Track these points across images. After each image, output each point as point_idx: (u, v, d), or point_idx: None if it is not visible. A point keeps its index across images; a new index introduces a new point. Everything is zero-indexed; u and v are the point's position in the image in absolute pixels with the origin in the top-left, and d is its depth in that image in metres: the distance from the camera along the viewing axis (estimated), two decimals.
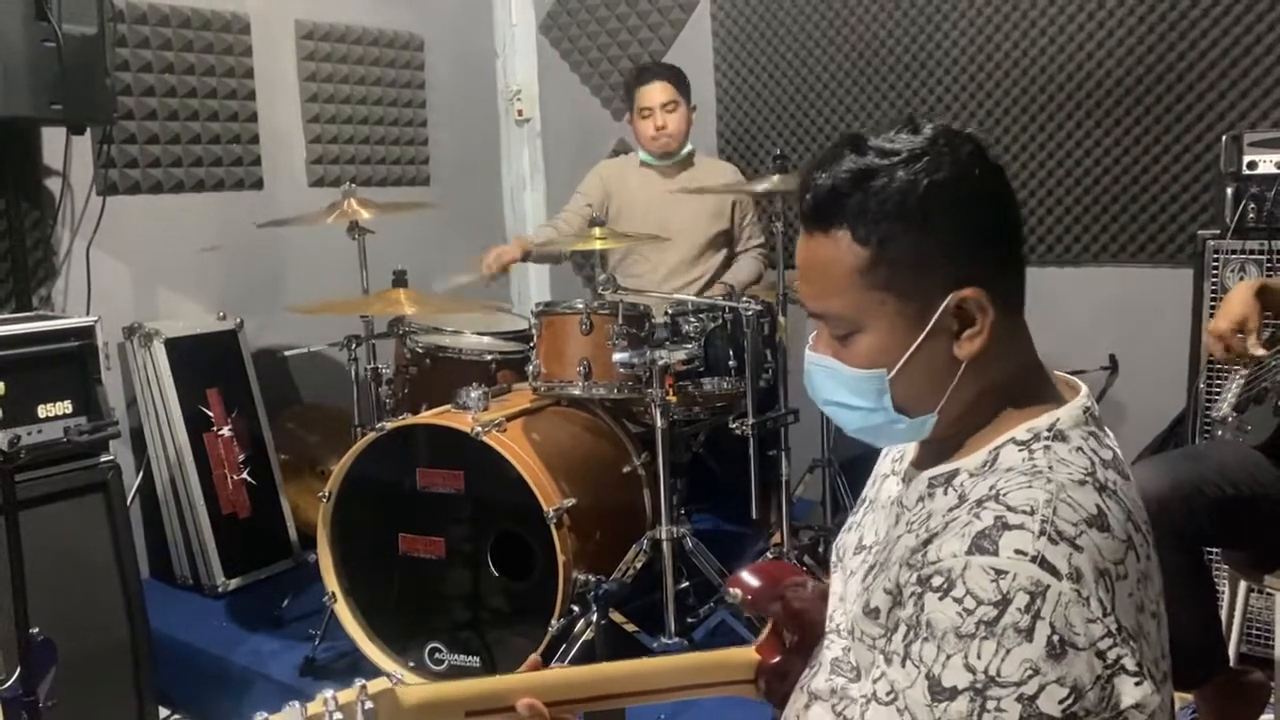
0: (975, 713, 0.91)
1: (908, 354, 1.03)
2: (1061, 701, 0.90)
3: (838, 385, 1.08)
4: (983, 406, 1.06)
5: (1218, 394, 2.47)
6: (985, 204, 1.04)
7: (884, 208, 1.00)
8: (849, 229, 1.02)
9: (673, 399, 2.72)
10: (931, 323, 1.02)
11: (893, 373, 1.04)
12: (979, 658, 0.91)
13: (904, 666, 0.96)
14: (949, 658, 0.92)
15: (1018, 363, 1.07)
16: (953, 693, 0.92)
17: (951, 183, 1.01)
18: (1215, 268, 2.58)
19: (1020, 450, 1.02)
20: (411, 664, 2.71)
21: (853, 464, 3.23)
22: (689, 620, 2.77)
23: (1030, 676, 0.90)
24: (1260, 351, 1.95)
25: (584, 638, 2.48)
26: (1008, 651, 0.90)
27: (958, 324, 1.03)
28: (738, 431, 2.78)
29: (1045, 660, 0.90)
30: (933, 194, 1.00)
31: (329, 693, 1.04)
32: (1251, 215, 2.53)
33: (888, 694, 0.97)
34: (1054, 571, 0.91)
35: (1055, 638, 0.90)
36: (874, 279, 1.02)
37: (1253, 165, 2.54)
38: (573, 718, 1.19)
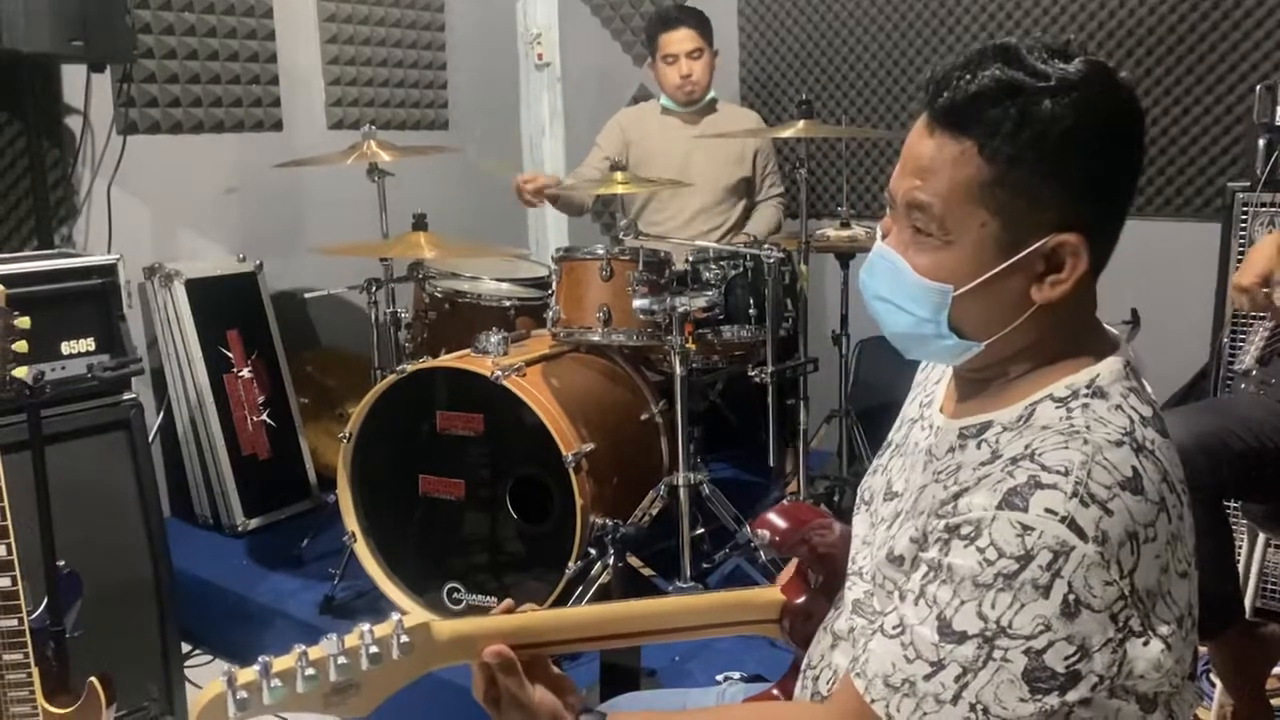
0: (981, 659, 0.92)
1: (982, 279, 1.00)
2: (1067, 658, 0.91)
3: (897, 286, 1.05)
4: (1030, 352, 1.04)
5: (1241, 348, 2.45)
6: (1120, 158, 1.00)
7: (1021, 132, 0.96)
8: (978, 141, 0.97)
9: (692, 346, 2.70)
10: (1019, 257, 0.99)
11: (959, 291, 1.01)
12: (993, 608, 0.91)
13: (916, 605, 0.96)
14: (963, 603, 0.93)
15: (1081, 319, 1.05)
16: (961, 636, 0.92)
17: (1097, 129, 0.97)
18: (1244, 221, 2.55)
19: (1058, 408, 1.00)
20: (430, 603, 2.74)
21: (870, 414, 3.23)
22: (704, 566, 2.79)
23: (1041, 632, 0.90)
24: None
25: (600, 581, 2.50)
26: (1022, 605, 0.90)
27: (1044, 265, 1.00)
28: (757, 379, 2.77)
29: (1058, 618, 0.90)
30: (1076, 135, 0.96)
31: (366, 625, 1.05)
32: None
33: (894, 627, 0.98)
34: (1081, 534, 0.90)
35: (1071, 597, 0.90)
36: (986, 198, 0.98)
37: None
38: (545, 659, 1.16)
